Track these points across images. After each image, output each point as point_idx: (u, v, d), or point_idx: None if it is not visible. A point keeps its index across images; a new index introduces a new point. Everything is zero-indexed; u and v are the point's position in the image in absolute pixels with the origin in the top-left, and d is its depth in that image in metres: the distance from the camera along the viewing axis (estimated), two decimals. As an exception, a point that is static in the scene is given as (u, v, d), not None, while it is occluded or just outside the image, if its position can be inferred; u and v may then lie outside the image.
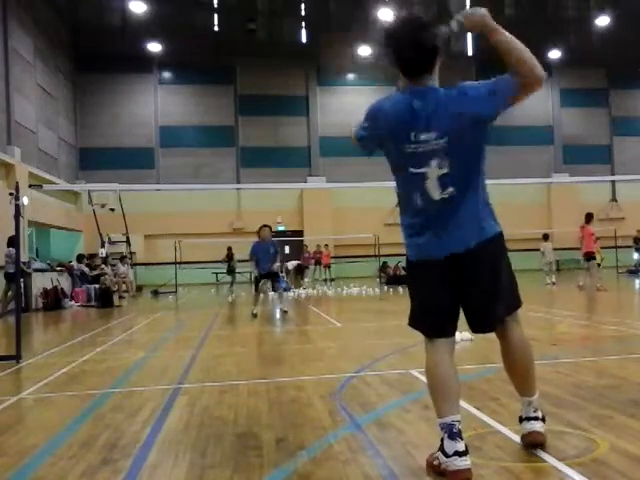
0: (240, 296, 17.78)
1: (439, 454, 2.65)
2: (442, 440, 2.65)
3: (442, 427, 2.64)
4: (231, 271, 23.63)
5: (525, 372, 2.88)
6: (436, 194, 2.62)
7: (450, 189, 2.61)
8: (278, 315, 10.59)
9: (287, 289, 18.38)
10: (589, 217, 14.60)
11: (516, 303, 2.85)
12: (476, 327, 2.88)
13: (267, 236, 10.50)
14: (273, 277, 10.69)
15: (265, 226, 10.65)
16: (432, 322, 2.77)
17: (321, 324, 9.22)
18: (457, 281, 2.72)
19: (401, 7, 28.76)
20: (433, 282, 2.73)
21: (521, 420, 2.96)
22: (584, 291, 14.33)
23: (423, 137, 2.58)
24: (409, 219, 2.76)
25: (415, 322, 2.85)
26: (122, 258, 19.65)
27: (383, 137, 2.69)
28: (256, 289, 10.80)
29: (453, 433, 2.60)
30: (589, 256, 14.30)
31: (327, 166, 29.35)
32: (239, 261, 24.48)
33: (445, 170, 2.59)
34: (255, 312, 10.36)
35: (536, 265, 20.31)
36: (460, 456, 2.57)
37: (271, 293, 12.43)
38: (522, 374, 2.89)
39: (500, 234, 2.77)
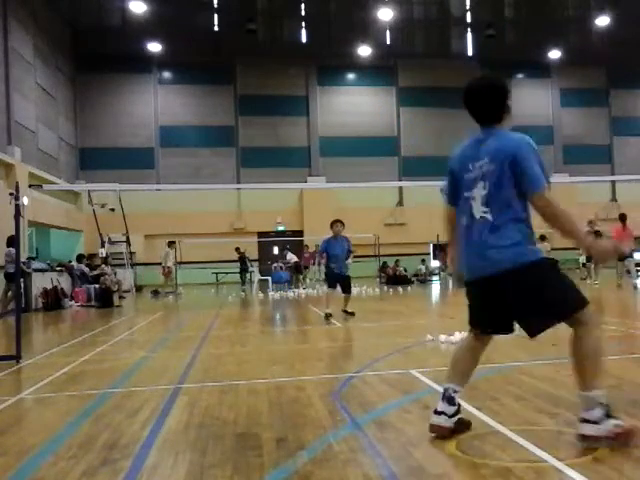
0: (244, 296, 17.78)
1: None
2: None
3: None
4: (244, 270, 23.63)
5: (576, 366, 2.90)
6: (477, 212, 2.98)
7: (486, 208, 2.95)
8: (344, 316, 9.85)
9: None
10: (622, 217, 14.72)
11: (567, 308, 2.89)
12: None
13: (340, 231, 10.10)
14: (345, 279, 10.22)
15: (337, 221, 10.19)
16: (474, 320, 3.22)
17: (321, 324, 9.22)
18: (496, 298, 2.99)
19: (401, 7, 28.80)
20: (480, 296, 3.10)
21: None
22: None
23: (477, 164, 3.01)
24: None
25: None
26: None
27: (452, 173, 3.15)
28: (330, 285, 10.25)
29: (443, 395, 3.12)
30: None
31: (327, 166, 29.36)
32: (250, 260, 24.52)
33: (485, 191, 2.96)
34: (328, 312, 9.67)
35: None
36: (435, 413, 3.09)
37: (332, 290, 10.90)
38: (574, 367, 2.91)
39: (539, 262, 2.91)
